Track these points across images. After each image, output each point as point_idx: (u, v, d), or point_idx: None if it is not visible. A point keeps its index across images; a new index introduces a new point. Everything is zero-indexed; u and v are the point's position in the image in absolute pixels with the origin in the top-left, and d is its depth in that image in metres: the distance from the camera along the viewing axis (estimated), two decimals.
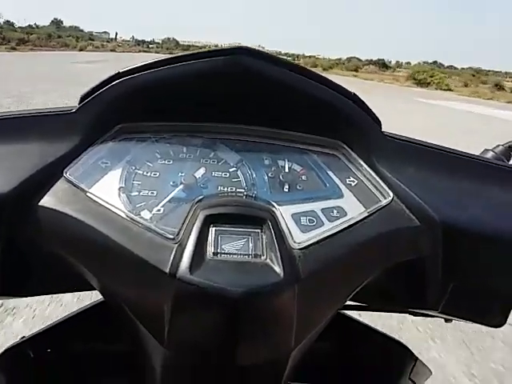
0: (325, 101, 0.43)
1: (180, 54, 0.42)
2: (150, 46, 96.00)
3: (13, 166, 0.37)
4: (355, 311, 0.53)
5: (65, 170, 0.38)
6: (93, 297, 0.48)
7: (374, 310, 0.53)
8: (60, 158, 0.38)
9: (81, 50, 44.46)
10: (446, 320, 0.47)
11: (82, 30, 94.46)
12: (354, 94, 0.44)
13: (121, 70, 0.41)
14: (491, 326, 0.43)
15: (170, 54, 0.46)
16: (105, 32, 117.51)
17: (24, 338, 0.48)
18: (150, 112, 0.44)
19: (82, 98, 0.42)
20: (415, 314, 0.47)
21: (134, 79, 0.41)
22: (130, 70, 0.41)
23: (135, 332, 0.35)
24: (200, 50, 0.42)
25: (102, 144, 0.42)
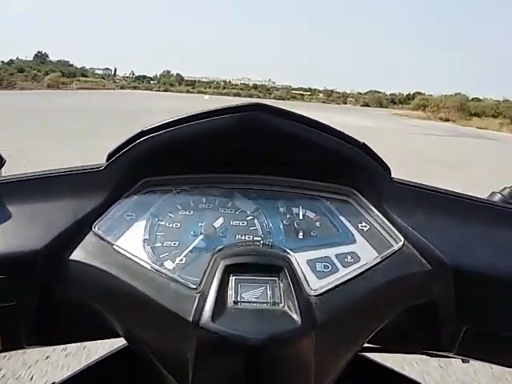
0: (335, 150, 0.45)
1: (199, 112, 0.44)
2: (152, 81, 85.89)
3: (46, 222, 0.39)
4: (374, 353, 0.53)
5: (93, 224, 0.40)
6: (112, 344, 0.50)
7: (390, 352, 0.53)
8: (89, 213, 0.41)
9: (48, 86, 32.46)
10: (463, 360, 0.47)
11: (71, 65, 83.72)
12: (364, 143, 0.46)
13: (144, 129, 0.44)
14: (508, 367, 0.44)
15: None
16: (106, 68, 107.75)
17: None
18: (171, 166, 0.46)
19: (109, 156, 0.44)
20: (431, 355, 0.47)
21: (156, 137, 0.44)
22: (152, 128, 0.44)
23: (160, 378, 0.37)
24: (217, 108, 0.44)
25: (127, 198, 0.44)
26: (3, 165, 0.48)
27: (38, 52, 79.23)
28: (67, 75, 55.69)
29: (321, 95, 77.93)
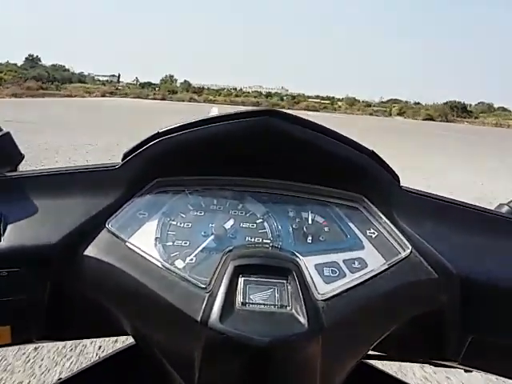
0: (345, 158, 0.46)
1: (214, 116, 0.45)
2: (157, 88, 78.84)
3: (61, 217, 0.41)
4: (378, 361, 0.54)
5: (107, 222, 0.42)
6: (119, 342, 0.31)
7: (394, 360, 0.54)
8: (103, 210, 0.42)
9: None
10: (466, 371, 0.48)
11: (66, 70, 77.15)
12: (373, 151, 0.47)
13: (160, 130, 0.45)
14: None
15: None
16: (112, 75, 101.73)
17: (60, 380, 0.51)
18: (184, 167, 0.47)
19: (125, 155, 0.46)
20: (436, 365, 0.48)
21: (171, 139, 0.45)
22: (168, 130, 0.45)
23: (167, 376, 0.37)
24: (231, 112, 0.45)
25: (140, 197, 0.45)
26: (21, 160, 0.49)
27: (29, 55, 72.58)
28: (47, 80, 48.74)
29: (339, 104, 68.61)
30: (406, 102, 71.55)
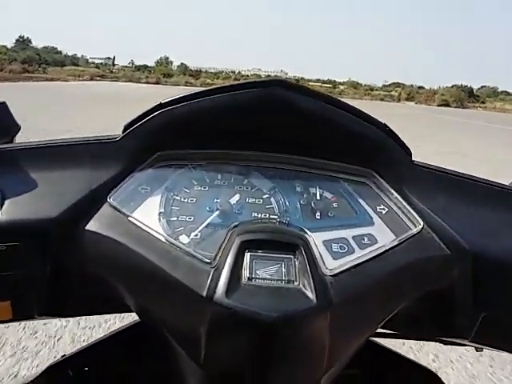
0: (357, 131, 0.45)
1: (218, 86, 0.43)
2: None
3: (61, 191, 0.40)
4: (385, 338, 0.53)
5: (109, 196, 0.41)
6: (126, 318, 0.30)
7: (404, 338, 0.54)
8: (104, 183, 0.41)
9: None
10: (477, 349, 0.47)
11: (58, 52, 74.42)
12: (385, 124, 0.46)
13: (162, 101, 0.44)
14: None
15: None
16: (108, 58, 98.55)
17: (64, 357, 0.50)
18: (187, 140, 0.46)
19: (126, 127, 0.45)
20: (446, 343, 0.47)
21: (173, 110, 0.43)
22: (170, 101, 0.44)
23: (172, 353, 0.37)
24: (237, 82, 0.43)
25: (142, 171, 0.44)
26: (18, 131, 0.48)
27: (20, 37, 70.00)
28: (37, 63, 46.54)
29: (341, 88, 66.08)
30: (412, 85, 69.07)
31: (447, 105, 45.85)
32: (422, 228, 0.41)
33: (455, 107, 44.44)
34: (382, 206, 0.44)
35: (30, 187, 0.40)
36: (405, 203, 0.44)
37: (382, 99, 49.69)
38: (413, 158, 0.47)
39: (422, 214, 0.42)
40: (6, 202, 0.38)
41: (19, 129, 0.48)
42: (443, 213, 0.42)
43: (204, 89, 0.44)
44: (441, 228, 0.41)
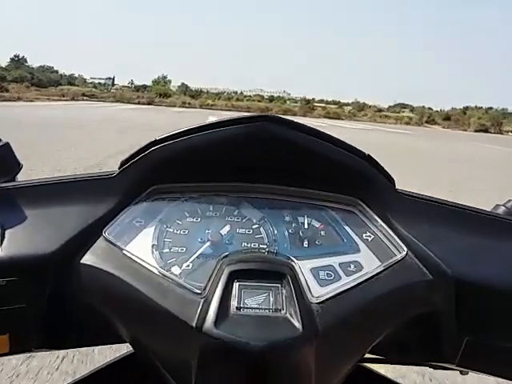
0: (341, 161, 0.46)
1: (211, 122, 0.45)
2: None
3: (58, 226, 0.41)
4: (374, 364, 0.53)
5: (104, 230, 0.42)
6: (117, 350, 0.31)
7: (391, 363, 0.54)
8: (100, 218, 0.42)
9: None
10: (462, 372, 0.47)
11: (55, 71, 72.19)
12: (368, 154, 0.47)
13: (157, 138, 0.45)
14: (509, 379, 0.43)
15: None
16: (108, 78, 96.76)
17: None
18: (181, 174, 0.47)
19: (122, 164, 0.46)
20: (434, 367, 0.48)
21: (168, 146, 0.45)
22: (164, 137, 0.45)
23: (165, 383, 0.37)
24: (228, 118, 0.45)
25: (136, 204, 0.45)
26: (20, 170, 0.50)
27: (15, 56, 67.91)
28: (30, 82, 43.52)
29: (347, 109, 62.59)
30: (423, 106, 65.66)
31: (485, 130, 40.11)
32: (406, 254, 0.42)
33: (494, 132, 38.87)
34: (368, 234, 0.45)
35: (28, 223, 0.41)
36: (389, 230, 0.45)
37: (407, 123, 44.94)
38: (396, 187, 0.48)
39: (406, 240, 0.43)
40: (6, 238, 0.39)
41: (21, 167, 0.50)
42: (426, 239, 0.43)
43: (197, 125, 0.45)
44: (424, 254, 0.42)
